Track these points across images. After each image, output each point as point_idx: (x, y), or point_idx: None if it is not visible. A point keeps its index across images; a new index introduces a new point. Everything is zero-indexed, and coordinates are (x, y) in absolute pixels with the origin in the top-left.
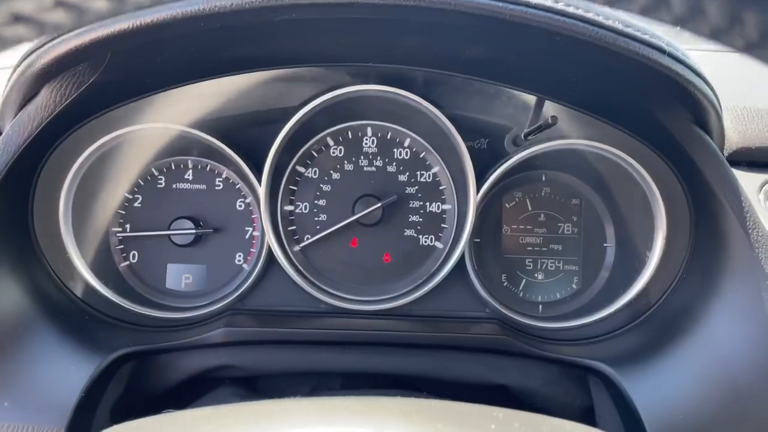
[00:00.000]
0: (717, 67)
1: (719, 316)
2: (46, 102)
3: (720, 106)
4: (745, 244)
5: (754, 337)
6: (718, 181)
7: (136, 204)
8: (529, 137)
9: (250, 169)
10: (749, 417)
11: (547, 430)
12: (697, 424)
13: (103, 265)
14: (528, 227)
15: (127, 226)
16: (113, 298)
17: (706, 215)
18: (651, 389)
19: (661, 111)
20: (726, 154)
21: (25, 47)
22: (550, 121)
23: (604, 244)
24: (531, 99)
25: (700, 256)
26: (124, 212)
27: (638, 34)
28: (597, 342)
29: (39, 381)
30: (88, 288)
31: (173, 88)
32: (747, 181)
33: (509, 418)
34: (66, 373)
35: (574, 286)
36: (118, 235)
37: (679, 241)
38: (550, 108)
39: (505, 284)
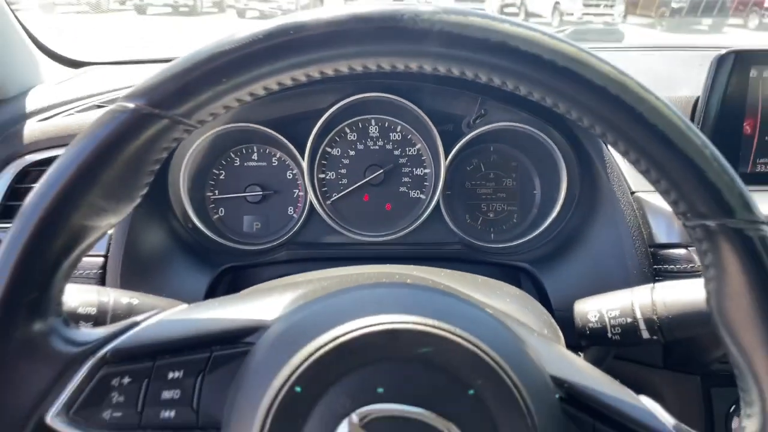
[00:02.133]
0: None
1: (596, 230)
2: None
3: None
4: (608, 186)
5: (615, 241)
6: (597, 156)
7: (221, 177)
8: (475, 122)
9: (297, 150)
10: (606, 287)
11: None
12: (580, 294)
13: (205, 217)
14: (482, 182)
15: (216, 191)
16: (214, 237)
17: (588, 171)
18: (557, 280)
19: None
20: None
21: None
22: (483, 113)
23: (533, 191)
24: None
25: (585, 195)
26: (213, 182)
27: None
28: (526, 252)
29: (177, 290)
30: (199, 231)
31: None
32: None
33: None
34: (193, 281)
35: (514, 220)
36: (211, 197)
37: (573, 188)
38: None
39: (468, 221)
